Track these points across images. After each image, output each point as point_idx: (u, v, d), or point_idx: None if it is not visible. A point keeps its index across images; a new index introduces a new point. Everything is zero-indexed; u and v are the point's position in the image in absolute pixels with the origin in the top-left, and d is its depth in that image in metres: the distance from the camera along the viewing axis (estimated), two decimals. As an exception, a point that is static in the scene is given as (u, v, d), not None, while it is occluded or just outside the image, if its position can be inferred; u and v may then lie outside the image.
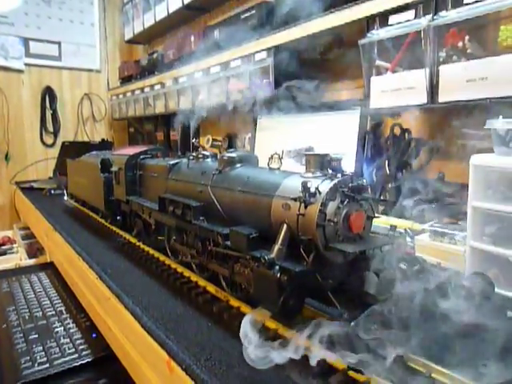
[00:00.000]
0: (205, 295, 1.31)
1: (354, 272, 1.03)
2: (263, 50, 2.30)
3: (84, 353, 1.49)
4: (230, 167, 1.36)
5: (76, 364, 1.42)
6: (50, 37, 4.51)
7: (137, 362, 1.12)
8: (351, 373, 0.86)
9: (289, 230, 1.04)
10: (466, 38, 1.44)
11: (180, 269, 1.53)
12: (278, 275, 0.96)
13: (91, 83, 4.78)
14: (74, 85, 4.68)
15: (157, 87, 3.51)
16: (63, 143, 4.25)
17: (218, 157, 1.43)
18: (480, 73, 1.38)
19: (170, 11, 3.51)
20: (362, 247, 1.00)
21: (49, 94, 4.52)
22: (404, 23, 1.60)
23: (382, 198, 2.03)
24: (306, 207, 1.00)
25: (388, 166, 2.01)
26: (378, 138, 2.08)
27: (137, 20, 4.17)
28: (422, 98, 1.55)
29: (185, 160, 1.65)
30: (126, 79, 4.27)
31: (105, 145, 4.18)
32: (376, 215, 1.10)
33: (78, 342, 1.56)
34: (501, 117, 1.34)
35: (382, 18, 1.66)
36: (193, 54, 3.03)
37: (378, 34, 1.68)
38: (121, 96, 4.31)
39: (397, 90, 1.64)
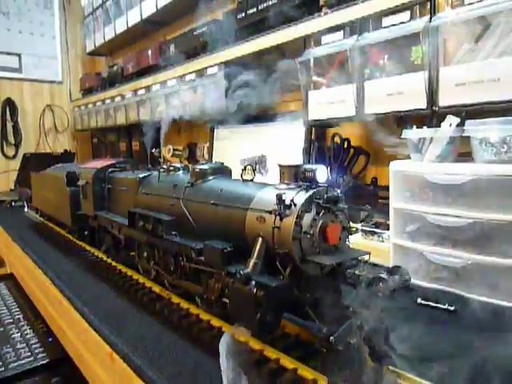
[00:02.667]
0: (150, 295, 1.39)
1: (330, 284, 1.02)
2: (215, 64, 2.43)
3: (40, 356, 1.55)
4: (203, 179, 1.32)
5: (31, 366, 1.49)
6: (9, 49, 4.49)
7: (86, 358, 1.22)
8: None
9: (264, 243, 1.01)
10: (386, 57, 1.62)
11: (136, 276, 1.56)
12: (255, 291, 0.92)
13: (53, 95, 4.78)
14: (35, 96, 4.67)
15: (117, 99, 3.58)
16: (24, 155, 4.23)
17: (190, 169, 1.39)
18: (397, 88, 1.56)
19: (130, 25, 3.60)
20: (338, 259, 0.97)
21: (9, 106, 4.50)
22: (334, 43, 1.77)
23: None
24: (281, 220, 0.97)
25: (330, 172, 2.17)
26: (322, 147, 2.24)
27: (98, 32, 4.23)
28: (352, 111, 1.72)
29: (155, 173, 1.60)
30: (87, 91, 4.31)
31: (67, 156, 4.20)
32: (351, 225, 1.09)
33: (34, 346, 1.63)
34: (414, 127, 1.52)
35: (316, 37, 1.83)
36: (150, 68, 3.14)
37: (314, 52, 1.85)
38: (83, 107, 4.34)
39: (330, 103, 1.81)
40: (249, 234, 1.07)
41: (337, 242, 1.01)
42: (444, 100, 1.42)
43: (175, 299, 1.32)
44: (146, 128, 3.70)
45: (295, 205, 0.97)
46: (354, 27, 1.70)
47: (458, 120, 1.38)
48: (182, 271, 1.28)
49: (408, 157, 1.54)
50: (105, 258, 1.83)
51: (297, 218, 0.96)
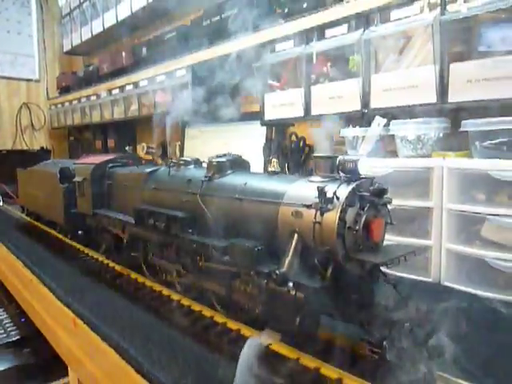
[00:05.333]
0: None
1: (369, 284, 0.95)
2: (182, 67, 2.61)
3: (12, 333, 1.70)
4: (221, 173, 1.25)
5: (3, 342, 1.63)
6: (-15, 46, 4.58)
7: (52, 327, 1.38)
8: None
9: (300, 240, 0.94)
10: (329, 64, 1.83)
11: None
12: (294, 292, 0.85)
13: (30, 93, 4.86)
14: (11, 94, 4.74)
15: (93, 98, 3.72)
16: (0, 151, 4.32)
17: (207, 162, 1.32)
18: (338, 92, 1.77)
19: (106, 26, 3.75)
20: (386, 257, 0.89)
21: (-15, 103, 4.58)
22: (286, 51, 1.97)
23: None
24: (322, 214, 0.90)
25: (288, 168, 2.37)
26: (281, 145, 2.44)
27: (75, 33, 4.34)
28: (300, 112, 1.92)
29: (164, 167, 1.53)
30: (64, 89, 4.43)
31: (43, 153, 4.30)
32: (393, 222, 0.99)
33: (8, 325, 1.77)
34: (350, 126, 1.73)
35: (270, 45, 2.03)
36: (124, 69, 3.29)
37: (268, 58, 2.05)
38: (59, 105, 4.45)
39: (283, 105, 2.01)
40: (281, 231, 0.99)
41: (381, 239, 0.94)
42: (374, 103, 1.63)
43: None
44: (121, 126, 3.86)
45: (338, 198, 0.90)
46: (302, 37, 1.91)
47: (384, 121, 1.60)
48: (200, 272, 1.19)
49: (346, 153, 1.76)
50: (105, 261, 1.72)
51: (341, 213, 0.89)
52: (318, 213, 0.91)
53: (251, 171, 1.34)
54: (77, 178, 1.91)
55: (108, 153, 4.08)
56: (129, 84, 3.18)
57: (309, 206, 0.93)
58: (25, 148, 4.68)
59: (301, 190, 1.00)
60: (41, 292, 1.48)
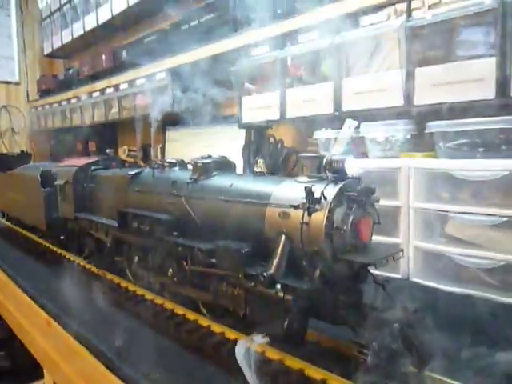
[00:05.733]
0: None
1: (357, 285, 0.95)
2: (162, 70, 2.64)
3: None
4: (206, 175, 1.24)
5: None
6: (-37, 48, 4.53)
7: (26, 328, 1.40)
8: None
9: (288, 241, 0.93)
10: (302, 68, 1.87)
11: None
12: (282, 295, 0.84)
13: (10, 95, 4.81)
14: (-10, 97, 4.72)
15: (73, 101, 3.71)
16: (-21, 156, 4.28)
17: (192, 164, 1.30)
18: (311, 95, 1.82)
19: (86, 29, 3.74)
20: (373, 257, 0.89)
21: (-37, 106, 4.53)
22: (262, 55, 2.02)
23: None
24: (309, 215, 0.89)
25: (266, 170, 2.40)
26: (259, 147, 2.48)
27: (55, 35, 4.32)
28: (277, 115, 1.96)
29: (148, 169, 1.50)
30: (44, 92, 4.40)
31: (24, 156, 4.26)
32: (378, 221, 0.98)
33: (-16, 329, 1.78)
34: (323, 129, 1.78)
35: (245, 50, 2.07)
36: (104, 72, 3.30)
37: (245, 62, 2.09)
38: (40, 108, 4.43)
39: (260, 108, 2.05)
40: (268, 232, 0.97)
41: (369, 239, 0.94)
42: (346, 106, 1.68)
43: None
44: (102, 129, 3.85)
45: (325, 198, 0.89)
46: (278, 41, 1.96)
47: (355, 123, 1.65)
48: (186, 276, 1.17)
49: (320, 154, 1.80)
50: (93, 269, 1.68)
51: (329, 213, 0.88)
52: (306, 213, 0.90)
53: (237, 172, 1.34)
54: (58, 182, 1.87)
55: (89, 156, 4.07)
56: (109, 87, 3.19)
57: (296, 207, 0.92)
58: (4, 151, 4.63)
59: (288, 190, 0.99)
60: (15, 294, 1.50)
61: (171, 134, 3.18)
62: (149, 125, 3.40)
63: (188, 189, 1.24)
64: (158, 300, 1.25)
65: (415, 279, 1.45)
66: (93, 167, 1.82)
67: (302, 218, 0.90)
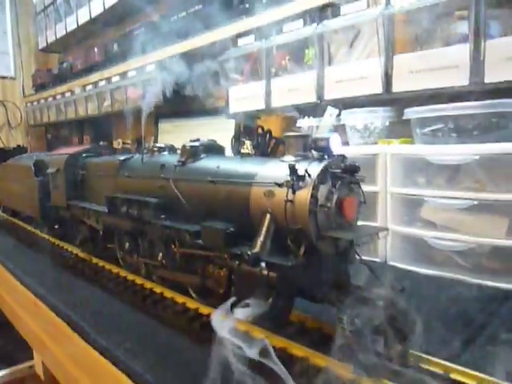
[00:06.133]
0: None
1: (344, 264, 0.95)
2: (151, 63, 2.66)
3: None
4: (194, 158, 1.24)
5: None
6: (-42, 44, 4.56)
7: (15, 309, 1.44)
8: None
9: (273, 220, 0.92)
10: (287, 58, 1.90)
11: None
12: (266, 272, 0.84)
13: (5, 90, 4.84)
14: (-13, 92, 4.75)
15: (67, 95, 3.74)
16: (-25, 150, 4.32)
17: (181, 147, 1.30)
18: (295, 85, 1.84)
19: (80, 23, 3.77)
20: (359, 234, 0.89)
21: (-40, 102, 4.56)
22: (247, 45, 2.04)
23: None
24: (294, 193, 0.88)
25: (253, 151, 2.43)
26: (248, 138, 2.51)
27: (49, 30, 4.35)
28: (262, 104, 1.99)
29: (137, 155, 1.51)
30: (39, 87, 4.43)
31: (20, 151, 4.30)
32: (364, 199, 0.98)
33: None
34: (306, 117, 1.81)
35: (233, 40, 2.10)
36: (97, 65, 3.33)
37: (231, 53, 2.11)
38: (35, 103, 4.46)
39: (246, 98, 2.08)
40: (254, 212, 0.97)
41: (354, 218, 0.94)
42: (328, 94, 1.71)
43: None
44: (96, 122, 3.88)
45: (310, 176, 0.88)
46: (262, 31, 1.98)
47: (336, 111, 1.68)
48: (173, 260, 1.18)
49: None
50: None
51: (313, 190, 0.87)
52: (290, 191, 0.89)
53: (225, 155, 1.35)
54: (50, 170, 1.88)
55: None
56: (102, 80, 3.21)
57: (280, 185, 0.91)
58: (1, 146, 4.67)
59: (273, 169, 0.99)
60: (4, 277, 1.54)
61: (164, 125, 3.21)
62: (140, 119, 3.43)
63: (176, 171, 1.24)
64: (148, 284, 1.29)
65: (392, 262, 1.49)
66: (84, 155, 1.82)
67: (287, 196, 0.90)
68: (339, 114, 1.66)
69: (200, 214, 1.11)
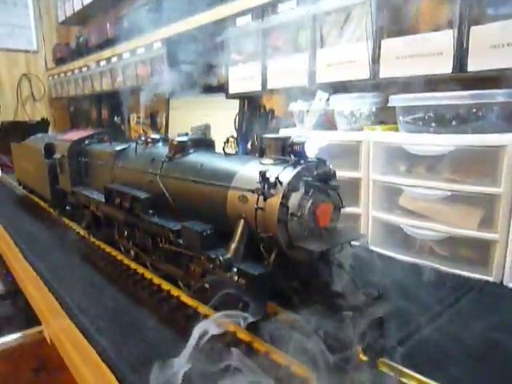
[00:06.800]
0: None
1: (320, 269, 0.93)
2: (158, 40, 2.69)
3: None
4: (182, 153, 1.23)
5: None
6: (-19, 18, 4.69)
7: (25, 281, 1.59)
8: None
9: (247, 225, 0.94)
10: (282, 39, 1.89)
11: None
12: (236, 278, 0.87)
13: (29, 64, 4.99)
14: (11, 66, 4.89)
15: (84, 69, 3.84)
16: (2, 123, 4.53)
17: (169, 141, 1.29)
18: (289, 67, 1.84)
19: (96, -4, 3.81)
20: (328, 244, 0.88)
21: (-15, 75, 4.75)
22: (245, 25, 2.03)
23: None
24: (265, 200, 0.88)
25: (256, 139, 2.48)
26: (251, 116, 2.54)
27: (68, 2, 4.42)
28: (258, 86, 2.01)
29: (132, 145, 1.51)
30: (59, 61, 4.55)
31: (42, 124, 4.48)
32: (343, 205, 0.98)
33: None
34: (299, 100, 1.82)
35: (231, 19, 2.09)
36: (109, 40, 3.38)
37: (230, 32, 2.11)
38: (56, 77, 4.60)
39: (244, 79, 2.09)
40: (230, 215, 0.98)
41: (328, 225, 0.92)
42: (319, 78, 1.71)
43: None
44: (111, 97, 3.97)
45: (281, 183, 0.88)
46: (259, 12, 1.96)
47: (326, 95, 1.68)
48: (162, 253, 1.22)
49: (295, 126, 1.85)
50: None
51: (283, 199, 0.87)
52: (261, 198, 0.89)
53: (213, 151, 1.33)
54: (57, 155, 1.94)
55: (102, 124, 4.23)
56: (114, 56, 3.27)
57: (253, 191, 0.91)
58: (26, 119, 4.87)
59: (250, 172, 0.98)
60: (13, 250, 1.69)
61: (174, 102, 3.27)
62: (151, 94, 3.48)
63: (163, 167, 1.25)
64: (140, 270, 1.37)
65: (373, 247, 1.53)
66: (86, 141, 1.85)
67: (257, 204, 0.90)
68: (328, 99, 1.66)
69: (185, 212, 1.14)
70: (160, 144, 1.45)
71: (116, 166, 1.51)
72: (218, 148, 1.32)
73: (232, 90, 2.19)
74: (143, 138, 1.48)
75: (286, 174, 0.90)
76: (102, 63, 3.47)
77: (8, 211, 2.48)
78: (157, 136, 1.48)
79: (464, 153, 1.23)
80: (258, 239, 0.92)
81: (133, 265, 1.40)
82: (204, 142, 1.31)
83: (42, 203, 2.46)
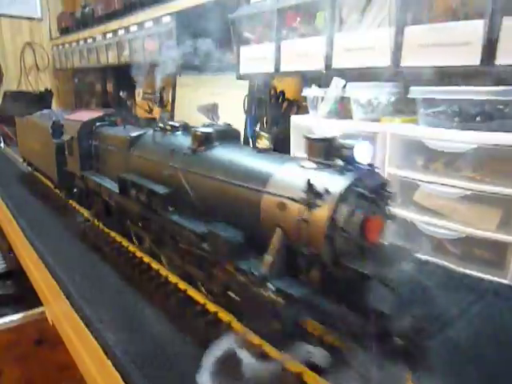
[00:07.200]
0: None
1: (365, 287, 0.80)
2: (167, 14, 2.59)
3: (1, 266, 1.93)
4: (207, 146, 1.13)
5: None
6: (-18, -17, 4.53)
7: (27, 261, 1.58)
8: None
9: (284, 236, 0.84)
10: (298, 19, 1.81)
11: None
12: (274, 297, 0.78)
13: (33, 32, 4.86)
14: (14, 33, 4.75)
15: (89, 41, 3.73)
16: (5, 93, 4.44)
17: (191, 132, 1.18)
18: (304, 49, 1.77)
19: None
20: (381, 265, 0.78)
21: (-12, 43, 4.63)
22: (260, 3, 1.94)
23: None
24: (309, 211, 0.79)
25: (266, 121, 2.42)
26: (261, 98, 2.47)
27: (72, -33, 4.27)
28: (271, 67, 1.93)
29: (150, 132, 1.41)
30: (64, 30, 4.43)
31: (45, 95, 4.39)
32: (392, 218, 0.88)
33: (-1, 259, 2.00)
34: (313, 85, 1.75)
35: (247, -3, 2.00)
36: (116, 12, 3.27)
37: (243, 10, 2.03)
38: (61, 47, 4.48)
39: (256, 59, 2.02)
40: (264, 223, 0.89)
41: (378, 239, 0.84)
42: (336, 63, 1.64)
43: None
44: (117, 71, 3.88)
45: (330, 193, 0.79)
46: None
47: (343, 82, 1.61)
48: (180, 252, 1.13)
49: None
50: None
51: (332, 211, 0.77)
52: (306, 209, 0.79)
53: (240, 145, 1.22)
54: (65, 136, 1.84)
55: (107, 98, 4.14)
56: (121, 28, 3.17)
57: (294, 200, 0.82)
58: (30, 89, 4.78)
59: (288, 176, 0.87)
60: (16, 230, 1.67)
61: (182, 79, 3.19)
62: (159, 69, 3.39)
63: (185, 161, 1.14)
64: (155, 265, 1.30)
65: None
66: (97, 123, 1.73)
67: (301, 214, 0.80)
68: (345, 86, 1.60)
69: (208, 212, 1.05)
70: (179, 133, 1.33)
71: (131, 155, 1.40)
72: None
73: (243, 70, 2.11)
74: (161, 125, 1.37)
75: (336, 183, 0.80)
76: (109, 35, 3.37)
77: (12, 190, 2.43)
78: (176, 123, 1.37)
79: (487, 151, 1.18)
80: (297, 253, 0.82)
81: (146, 258, 1.33)
82: (230, 134, 1.20)
83: (47, 183, 2.39)
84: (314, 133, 1.64)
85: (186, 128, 1.35)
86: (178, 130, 1.34)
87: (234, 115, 2.70)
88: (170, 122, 1.37)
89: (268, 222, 0.88)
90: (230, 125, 1.22)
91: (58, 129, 1.97)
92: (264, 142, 1.01)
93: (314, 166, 0.87)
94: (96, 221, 1.66)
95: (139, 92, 3.85)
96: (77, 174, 1.78)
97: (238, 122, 2.59)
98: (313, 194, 0.79)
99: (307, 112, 2.13)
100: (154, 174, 1.25)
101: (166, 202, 1.14)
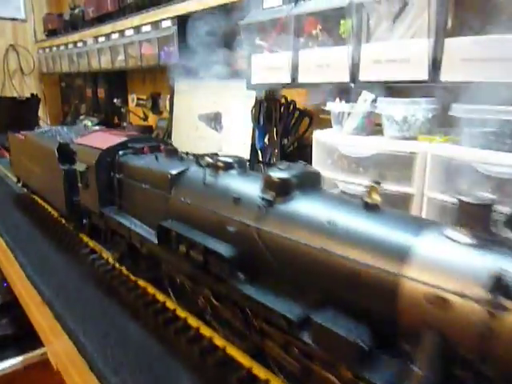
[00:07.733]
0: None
1: None
2: (168, 18, 2.44)
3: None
4: (285, 196, 0.89)
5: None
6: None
7: (25, 297, 1.42)
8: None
9: (446, 347, 0.61)
10: (319, 27, 1.68)
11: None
12: None
13: (16, 34, 4.62)
14: (-3, 35, 4.54)
15: (79, 44, 3.55)
16: (-15, 99, 4.21)
17: (263, 177, 0.94)
18: (326, 60, 1.65)
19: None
20: None
21: (-32, 45, 4.38)
22: (274, 8, 1.81)
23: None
24: (495, 315, 0.56)
25: (276, 133, 2.29)
26: (270, 108, 2.34)
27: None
28: (287, 78, 1.80)
29: (193, 168, 1.18)
30: (51, 32, 4.21)
31: (32, 102, 4.18)
32: None
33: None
34: (337, 99, 1.63)
35: (257, 1, 1.87)
36: (110, 15, 3.09)
37: (256, 16, 1.89)
38: (47, 50, 4.27)
39: (270, 69, 1.88)
40: (404, 320, 0.67)
41: None
42: (363, 75, 1.52)
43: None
44: (110, 76, 3.69)
45: None
46: (292, -7, 1.75)
47: (372, 96, 1.50)
48: (256, 338, 0.91)
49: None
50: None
51: None
52: (487, 311, 0.56)
53: (326, 194, 0.94)
54: (79, 166, 1.56)
55: (98, 104, 3.96)
56: (114, 32, 3.00)
57: (467, 296, 0.58)
58: (14, 95, 4.55)
59: (438, 254, 0.65)
60: (13, 264, 1.50)
61: (181, 85, 3.03)
62: (157, 74, 3.25)
63: (259, 215, 0.89)
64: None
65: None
66: (121, 152, 1.47)
67: (484, 321, 0.56)
68: (375, 101, 1.48)
69: (300, 291, 0.81)
70: (235, 172, 1.08)
71: (174, 198, 1.15)
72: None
73: (255, 80, 1.98)
74: (209, 160, 1.11)
75: None
76: (101, 39, 3.20)
77: (6, 215, 2.13)
78: (229, 159, 1.10)
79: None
80: (465, 369, 0.60)
81: (192, 321, 1.11)
82: (310, 178, 0.95)
83: (49, 208, 2.12)
84: (340, 150, 1.51)
85: (242, 164, 1.10)
86: (232, 168, 1.09)
87: (238, 125, 2.56)
88: (221, 158, 1.11)
89: (410, 319, 0.65)
90: (305, 163, 0.98)
91: (65, 152, 1.72)
92: (375, 198, 0.73)
93: (471, 240, 0.65)
94: (119, 264, 1.42)
95: (133, 98, 3.69)
96: (94, 210, 1.52)
97: (244, 132, 2.46)
98: (499, 292, 0.56)
99: (320, 123, 2.02)
100: (210, 226, 1.01)
101: (232, 266, 0.91)
